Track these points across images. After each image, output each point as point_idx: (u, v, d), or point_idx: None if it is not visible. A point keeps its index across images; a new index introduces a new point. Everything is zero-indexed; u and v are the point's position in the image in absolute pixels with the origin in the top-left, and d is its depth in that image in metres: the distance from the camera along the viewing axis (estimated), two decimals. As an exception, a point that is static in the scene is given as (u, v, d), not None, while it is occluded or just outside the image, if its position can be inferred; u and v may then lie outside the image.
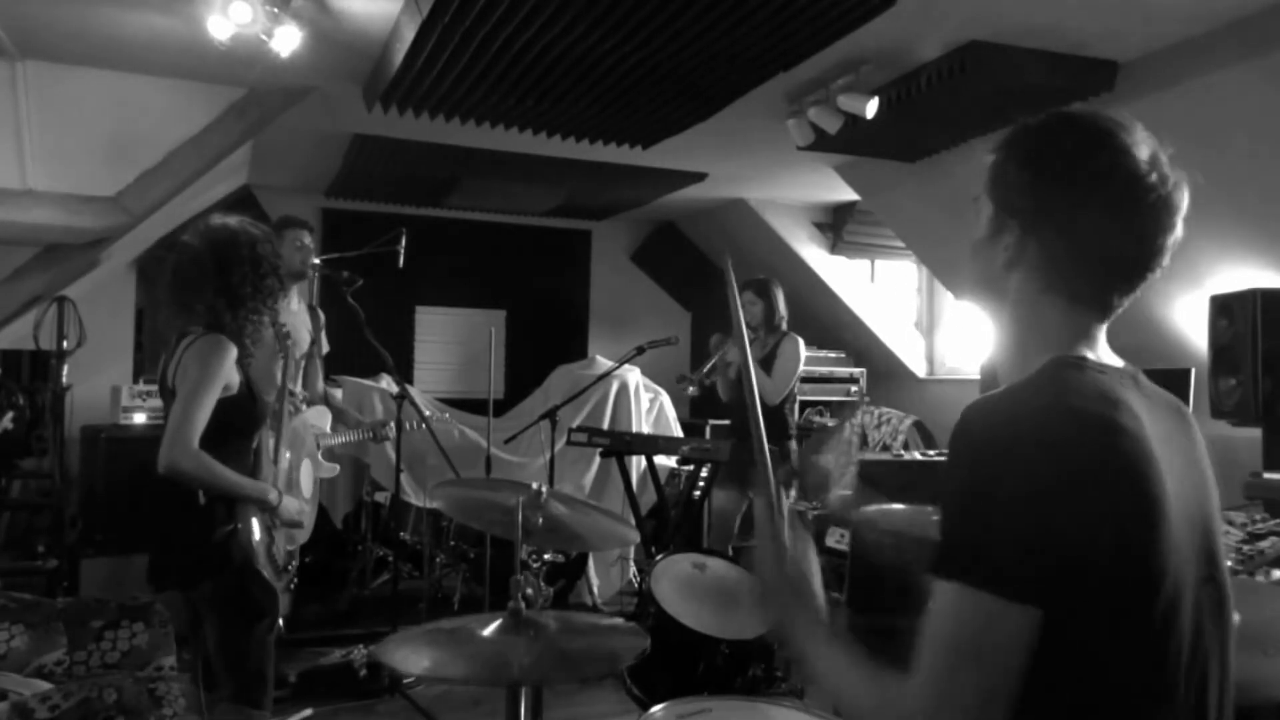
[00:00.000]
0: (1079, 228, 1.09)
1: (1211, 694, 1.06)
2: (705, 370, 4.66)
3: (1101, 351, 1.15)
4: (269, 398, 2.60)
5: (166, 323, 2.54)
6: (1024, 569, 0.96)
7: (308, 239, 4.16)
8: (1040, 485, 0.96)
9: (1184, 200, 1.10)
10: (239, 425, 2.47)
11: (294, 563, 2.66)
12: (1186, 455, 1.12)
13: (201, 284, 2.46)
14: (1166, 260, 1.11)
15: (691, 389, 4.65)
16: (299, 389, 4.06)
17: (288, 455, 2.69)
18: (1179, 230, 1.10)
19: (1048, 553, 0.96)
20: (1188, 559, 1.04)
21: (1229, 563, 2.38)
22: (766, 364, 4.59)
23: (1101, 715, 1.00)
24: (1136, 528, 1.00)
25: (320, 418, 4.15)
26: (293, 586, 2.79)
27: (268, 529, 2.51)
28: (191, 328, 2.46)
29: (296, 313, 4.13)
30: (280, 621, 2.62)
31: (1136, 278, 1.12)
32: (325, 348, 4.44)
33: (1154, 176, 1.08)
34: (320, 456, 4.10)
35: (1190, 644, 1.03)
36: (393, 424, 4.46)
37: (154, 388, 3.64)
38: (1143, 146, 1.09)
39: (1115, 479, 0.99)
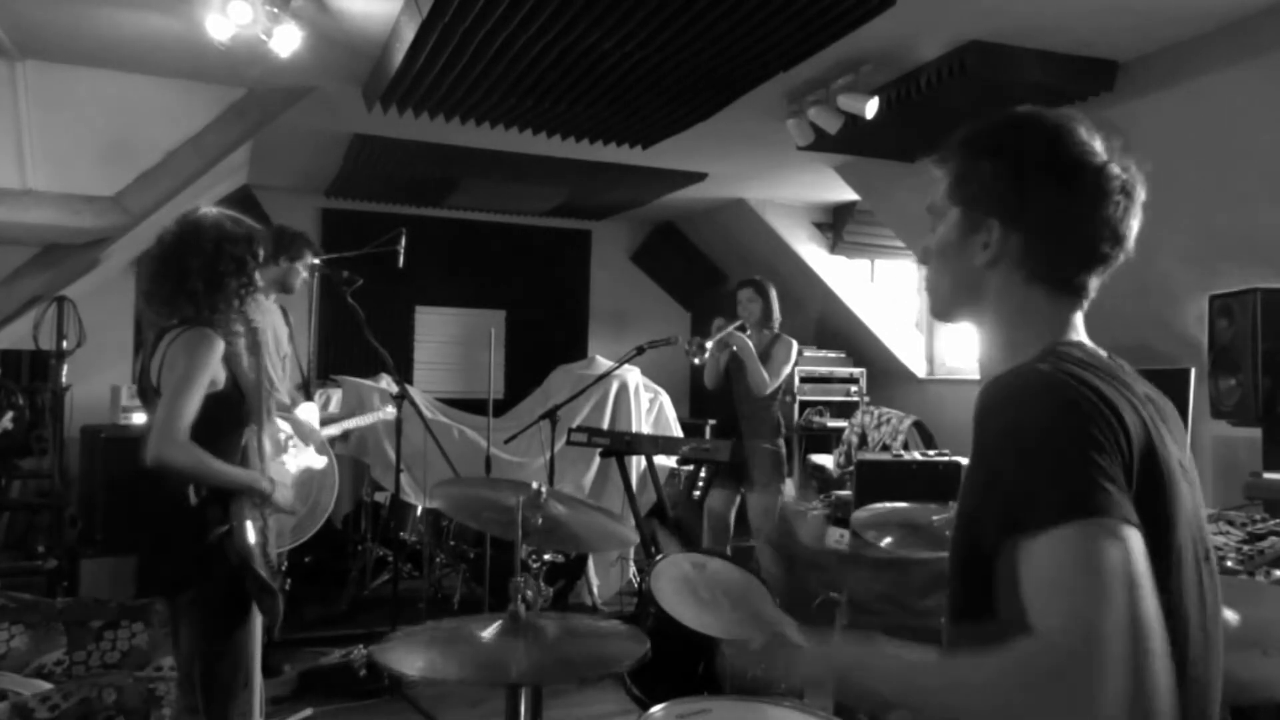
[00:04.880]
0: (1062, 216, 1.14)
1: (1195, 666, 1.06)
2: (711, 343, 4.59)
3: (1085, 340, 1.18)
4: (256, 395, 2.52)
5: (145, 318, 2.50)
6: (1116, 496, 0.96)
7: (312, 262, 4.23)
8: (1082, 428, 0.99)
9: (1141, 187, 1.15)
10: (225, 423, 2.38)
11: (284, 564, 2.64)
12: (1179, 443, 1.15)
13: (163, 275, 2.41)
14: (1131, 243, 1.16)
15: (697, 359, 4.62)
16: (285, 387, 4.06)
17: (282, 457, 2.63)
18: (1139, 216, 1.15)
19: (1120, 480, 0.97)
20: (1194, 534, 1.07)
21: (1229, 563, 2.38)
22: (760, 359, 4.61)
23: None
24: (1155, 470, 1.03)
25: (310, 414, 4.14)
26: (286, 588, 2.73)
27: (261, 530, 2.42)
28: (170, 323, 2.39)
29: (270, 311, 4.11)
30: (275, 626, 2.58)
31: (1111, 259, 1.16)
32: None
33: (1115, 165, 1.14)
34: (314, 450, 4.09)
35: (1195, 606, 1.06)
36: (346, 422, 4.50)
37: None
38: (1098, 138, 1.15)
39: (1131, 440, 1.02)
